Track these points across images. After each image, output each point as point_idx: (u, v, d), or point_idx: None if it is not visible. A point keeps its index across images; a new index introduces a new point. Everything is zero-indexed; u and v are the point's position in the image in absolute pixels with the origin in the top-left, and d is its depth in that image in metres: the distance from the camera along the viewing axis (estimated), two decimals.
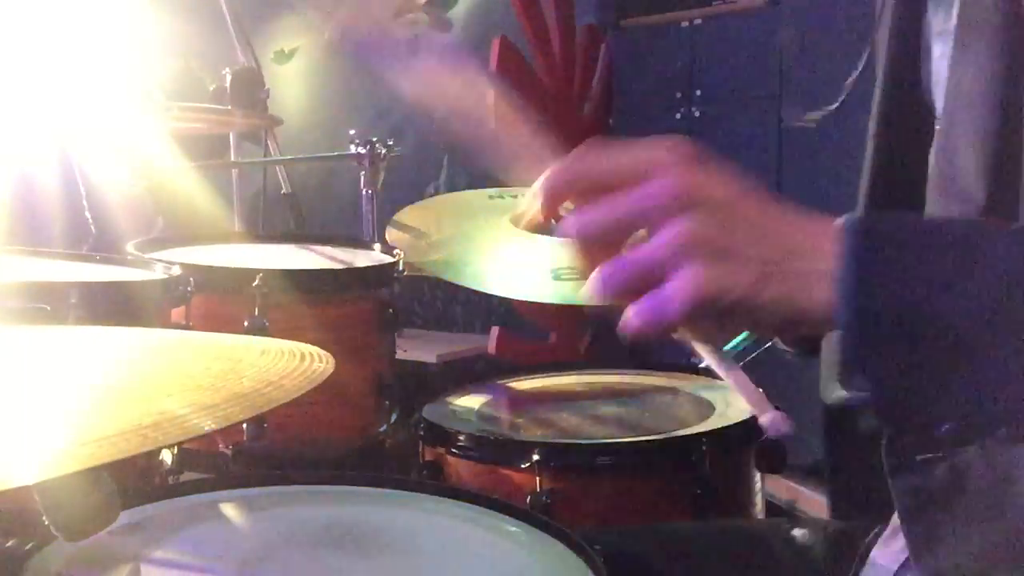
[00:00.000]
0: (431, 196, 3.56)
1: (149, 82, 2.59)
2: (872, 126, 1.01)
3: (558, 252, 1.69)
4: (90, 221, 2.63)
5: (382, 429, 1.73)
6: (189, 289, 1.42)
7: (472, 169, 3.75)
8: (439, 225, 1.69)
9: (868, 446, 0.76)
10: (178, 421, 0.53)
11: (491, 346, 2.99)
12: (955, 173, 0.83)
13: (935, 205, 0.88)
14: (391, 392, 1.73)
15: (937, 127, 0.92)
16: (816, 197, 0.78)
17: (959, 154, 0.83)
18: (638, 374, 1.73)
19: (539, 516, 1.03)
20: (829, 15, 2.67)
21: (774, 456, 1.37)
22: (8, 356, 0.75)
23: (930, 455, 0.67)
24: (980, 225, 0.73)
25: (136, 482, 1.28)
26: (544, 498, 1.26)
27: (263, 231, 2.87)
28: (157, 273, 1.44)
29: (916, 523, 0.69)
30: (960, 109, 0.84)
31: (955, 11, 0.89)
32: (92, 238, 2.49)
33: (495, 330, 3.02)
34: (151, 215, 2.53)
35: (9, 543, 0.84)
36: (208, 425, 0.53)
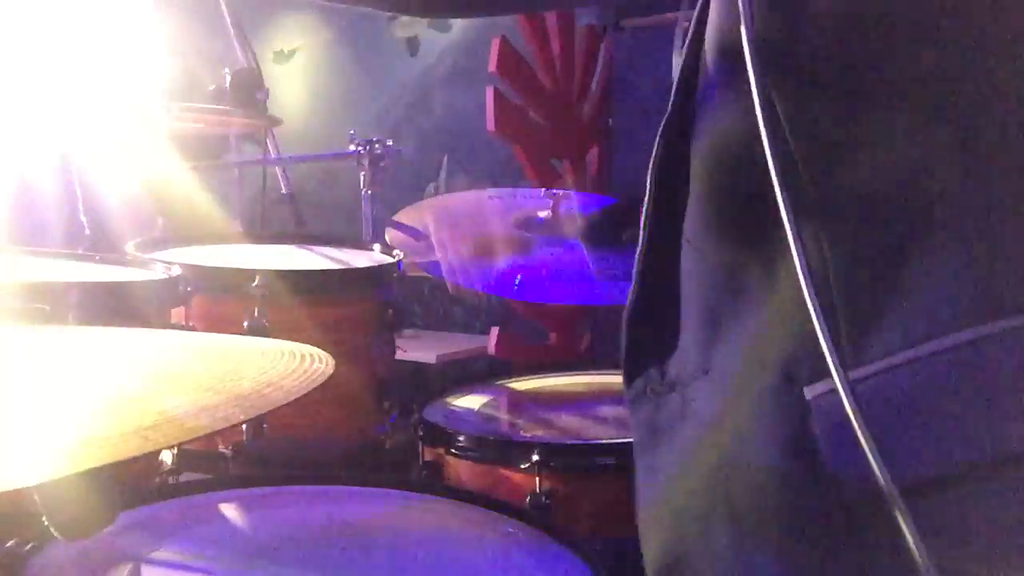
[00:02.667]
0: (431, 196, 3.57)
1: (149, 82, 2.59)
2: None
3: (558, 253, 1.69)
4: (85, 224, 2.63)
5: (382, 429, 1.73)
6: (189, 289, 1.42)
7: (472, 169, 3.76)
8: (439, 225, 1.69)
9: None
10: (178, 422, 0.53)
11: (491, 346, 2.99)
12: None
13: None
14: (391, 392, 1.73)
15: None
16: None
17: None
18: None
19: (539, 516, 1.03)
20: None
21: None
22: (8, 356, 0.75)
23: (663, 390, 0.76)
24: None
25: (136, 482, 1.28)
26: (544, 498, 1.26)
27: (263, 231, 2.87)
28: (157, 273, 1.44)
29: (645, 456, 0.76)
30: None
31: None
32: (88, 241, 2.50)
33: (495, 330, 3.02)
34: (151, 215, 2.53)
35: (9, 543, 0.84)
36: (208, 426, 0.53)
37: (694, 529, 0.70)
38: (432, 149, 3.88)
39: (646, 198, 0.79)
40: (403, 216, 1.83)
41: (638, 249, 0.79)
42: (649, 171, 0.78)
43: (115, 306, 1.27)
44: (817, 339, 0.61)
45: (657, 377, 0.77)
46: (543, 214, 1.76)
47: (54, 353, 0.78)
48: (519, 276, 1.63)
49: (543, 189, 1.77)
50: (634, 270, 0.80)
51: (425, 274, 1.80)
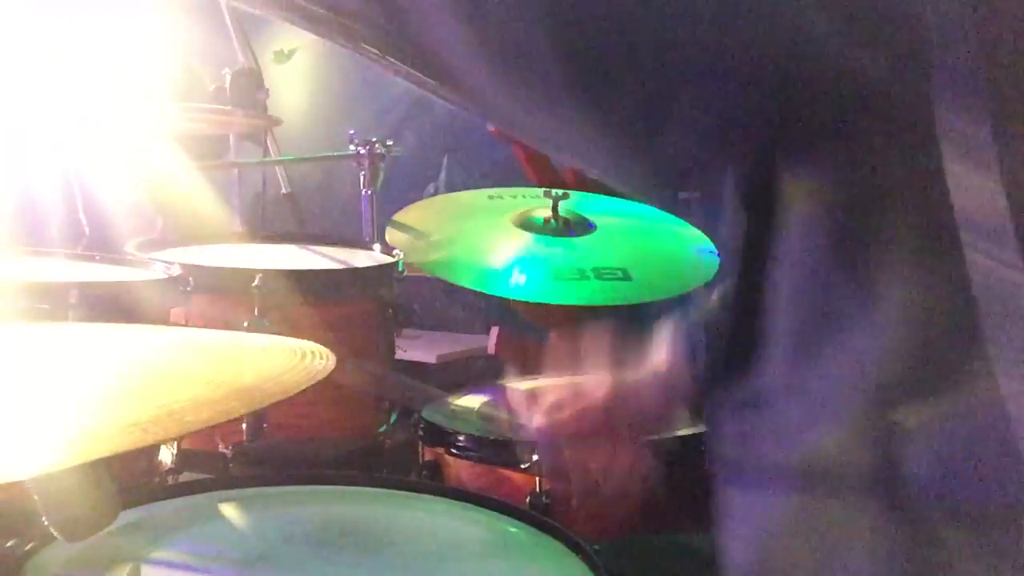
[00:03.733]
0: (431, 196, 3.57)
1: (149, 82, 2.59)
2: None
3: (558, 253, 1.69)
4: (84, 222, 2.64)
5: (382, 429, 1.73)
6: (189, 289, 1.42)
7: (472, 169, 3.76)
8: (439, 225, 1.69)
9: None
10: (177, 415, 0.53)
11: (491, 346, 2.99)
12: None
13: None
14: (391, 392, 1.73)
15: None
16: None
17: None
18: None
19: (539, 516, 1.03)
20: None
21: None
22: (8, 353, 0.74)
23: (748, 403, 0.75)
24: None
25: (136, 482, 1.28)
26: (544, 498, 1.26)
27: (263, 231, 2.87)
28: (157, 273, 1.44)
29: (726, 468, 0.77)
30: None
31: None
32: (86, 239, 2.50)
33: (495, 330, 3.01)
34: (151, 215, 2.53)
35: (9, 543, 0.84)
36: (208, 420, 0.53)
37: (778, 546, 0.70)
38: (432, 149, 3.88)
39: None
40: (403, 216, 1.83)
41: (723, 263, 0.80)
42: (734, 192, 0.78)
43: (115, 306, 1.27)
44: (913, 365, 0.62)
45: (740, 391, 0.77)
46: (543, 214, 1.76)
47: (53, 348, 0.78)
48: (518, 276, 1.63)
49: (543, 189, 1.76)
50: (719, 283, 0.79)
51: (425, 274, 1.79)
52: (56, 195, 2.44)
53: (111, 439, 0.48)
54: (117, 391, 0.61)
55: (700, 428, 1.39)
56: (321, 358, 0.68)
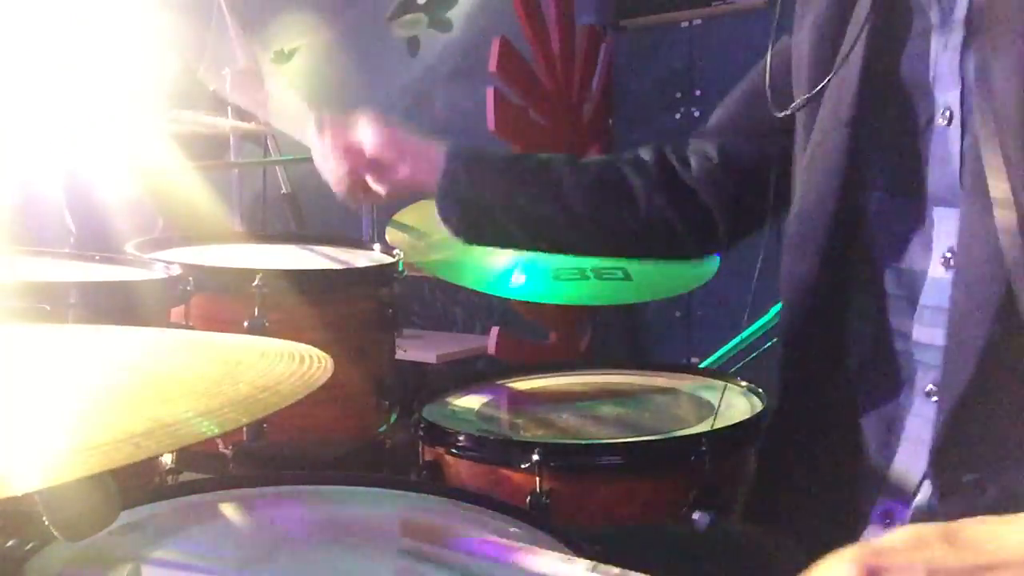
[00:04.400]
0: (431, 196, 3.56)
1: (149, 83, 2.59)
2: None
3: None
4: (70, 223, 2.63)
5: (382, 429, 1.73)
6: (189, 289, 1.42)
7: None
8: (439, 225, 1.69)
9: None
10: (171, 429, 0.52)
11: (491, 346, 2.99)
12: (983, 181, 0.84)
13: (966, 203, 0.88)
14: (391, 392, 1.73)
15: (943, 121, 0.92)
16: None
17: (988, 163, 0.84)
18: (638, 374, 1.72)
19: (539, 516, 1.03)
20: None
21: None
22: (7, 356, 0.74)
23: (978, 475, 0.72)
24: None
25: (136, 482, 1.28)
26: (544, 498, 1.26)
27: (263, 231, 2.87)
28: (157, 273, 1.44)
29: None
30: (992, 112, 0.85)
31: (963, 3, 0.89)
32: (73, 238, 2.50)
33: (495, 330, 3.02)
34: (151, 215, 2.53)
35: (9, 543, 0.84)
36: (203, 432, 0.53)
37: None
38: None
39: None
40: (403, 216, 1.83)
41: None
42: None
43: (115, 306, 1.27)
44: None
45: None
46: None
47: (52, 354, 0.78)
48: (518, 276, 1.63)
49: None
50: None
51: (425, 274, 1.80)
52: (43, 196, 2.44)
53: (103, 454, 0.48)
54: (111, 402, 0.61)
55: (698, 428, 1.40)
56: (319, 363, 0.68)
